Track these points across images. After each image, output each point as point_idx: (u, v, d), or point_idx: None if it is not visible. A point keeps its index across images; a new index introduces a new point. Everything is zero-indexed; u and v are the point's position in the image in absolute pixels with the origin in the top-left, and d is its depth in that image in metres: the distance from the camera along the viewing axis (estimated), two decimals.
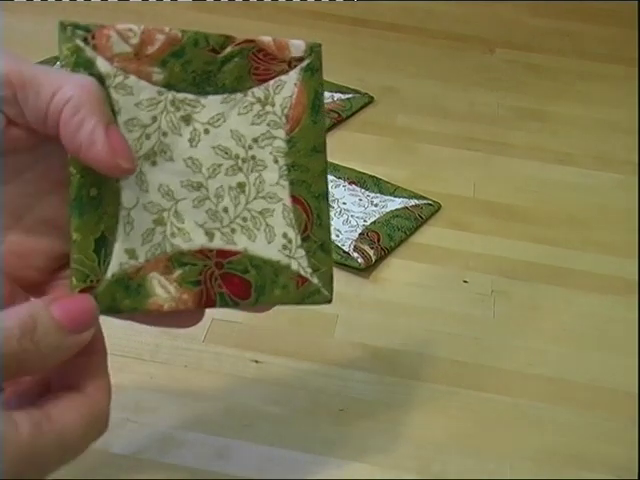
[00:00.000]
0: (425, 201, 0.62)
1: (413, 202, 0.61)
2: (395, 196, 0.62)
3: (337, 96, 0.74)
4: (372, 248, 0.55)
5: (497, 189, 0.65)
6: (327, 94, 0.74)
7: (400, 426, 0.44)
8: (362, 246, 0.55)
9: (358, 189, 0.62)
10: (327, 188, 0.34)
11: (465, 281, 0.55)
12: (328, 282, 0.34)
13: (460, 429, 0.45)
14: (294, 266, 0.33)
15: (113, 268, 0.30)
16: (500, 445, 0.44)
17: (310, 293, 0.34)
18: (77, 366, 0.29)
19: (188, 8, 0.89)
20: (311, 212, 0.34)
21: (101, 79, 0.31)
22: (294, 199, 0.34)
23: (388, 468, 0.42)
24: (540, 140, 0.73)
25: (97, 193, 0.30)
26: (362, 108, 0.74)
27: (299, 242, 0.34)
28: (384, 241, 0.56)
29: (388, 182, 0.63)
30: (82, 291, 0.30)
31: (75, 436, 0.27)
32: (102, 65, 0.31)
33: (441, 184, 0.65)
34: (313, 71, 0.34)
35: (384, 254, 0.56)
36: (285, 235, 0.33)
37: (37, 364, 0.27)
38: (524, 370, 0.49)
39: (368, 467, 0.42)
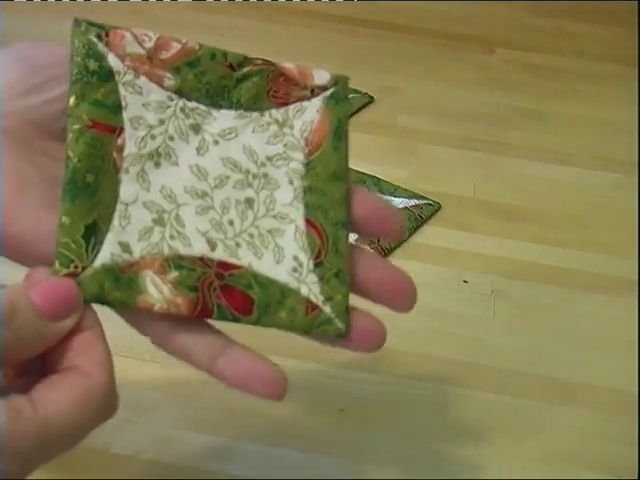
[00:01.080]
0: (425, 201, 0.62)
1: (413, 202, 0.61)
2: (395, 196, 0.62)
3: None
4: (372, 248, 0.55)
5: (497, 189, 0.65)
6: None
7: (400, 426, 0.44)
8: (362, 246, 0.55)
9: None
10: (347, 216, 0.33)
11: (465, 281, 0.55)
12: (342, 313, 0.32)
13: (460, 429, 0.45)
14: (304, 291, 0.31)
15: (103, 257, 0.29)
16: (500, 445, 0.44)
17: (320, 322, 0.31)
18: (66, 346, 0.27)
19: (188, 8, 0.89)
20: (326, 238, 0.32)
21: (111, 73, 0.31)
22: (308, 222, 0.32)
23: (388, 468, 0.42)
24: (540, 140, 0.73)
25: (94, 180, 0.30)
26: (362, 108, 0.74)
27: (311, 267, 0.32)
28: (384, 241, 0.56)
29: (388, 182, 0.63)
30: (65, 276, 0.28)
31: (66, 418, 0.25)
32: (113, 61, 0.31)
33: (441, 184, 0.65)
34: (338, 100, 0.34)
35: (384, 254, 0.56)
36: (296, 258, 0.32)
37: (16, 352, 0.26)
38: (524, 370, 0.49)
39: (368, 467, 0.42)
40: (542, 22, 0.96)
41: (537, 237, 0.60)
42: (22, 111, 0.30)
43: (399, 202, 0.61)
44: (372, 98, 0.76)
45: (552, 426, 0.45)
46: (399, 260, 0.56)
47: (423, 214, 0.60)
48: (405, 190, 0.63)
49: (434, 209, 0.61)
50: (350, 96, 0.74)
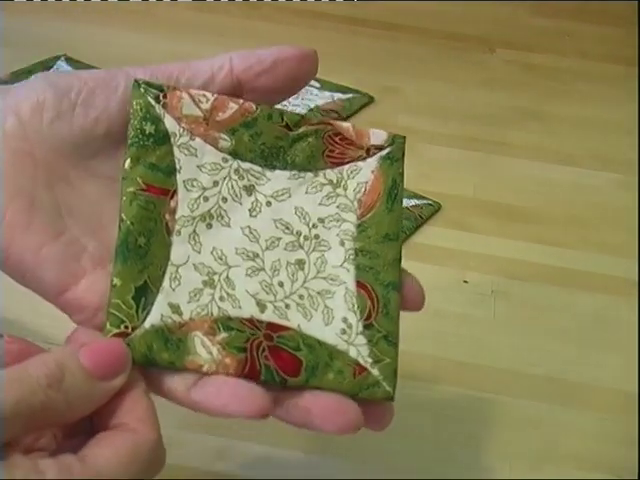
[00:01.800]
0: (425, 201, 0.62)
1: (413, 202, 0.61)
2: None
3: (337, 96, 0.74)
4: None
5: (497, 189, 0.65)
6: (327, 94, 0.74)
7: (400, 426, 0.44)
8: None
9: None
10: (399, 278, 0.32)
11: (465, 281, 0.55)
12: (390, 376, 0.31)
13: (460, 429, 0.45)
14: (352, 353, 0.31)
15: (153, 318, 0.29)
16: (500, 445, 0.44)
17: (368, 385, 0.31)
18: (114, 405, 0.27)
19: (188, 8, 0.89)
20: (377, 300, 0.32)
21: (167, 136, 0.31)
22: (359, 284, 0.32)
23: (388, 468, 0.42)
24: (540, 140, 0.73)
25: (145, 242, 0.30)
26: (362, 108, 0.74)
27: (360, 329, 0.31)
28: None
29: None
30: (115, 336, 0.29)
31: (115, 473, 0.25)
32: (169, 123, 0.31)
33: (441, 184, 0.65)
34: (393, 160, 0.34)
35: None
36: (345, 320, 0.31)
37: (65, 414, 0.26)
38: (524, 370, 0.49)
39: (368, 467, 0.42)
40: (542, 22, 0.96)
41: (537, 237, 0.60)
42: (48, 136, 0.30)
43: None
44: (372, 98, 0.76)
45: (552, 426, 0.45)
46: None
47: (423, 214, 0.60)
48: (405, 190, 0.62)
49: (434, 209, 0.61)
50: (350, 96, 0.75)
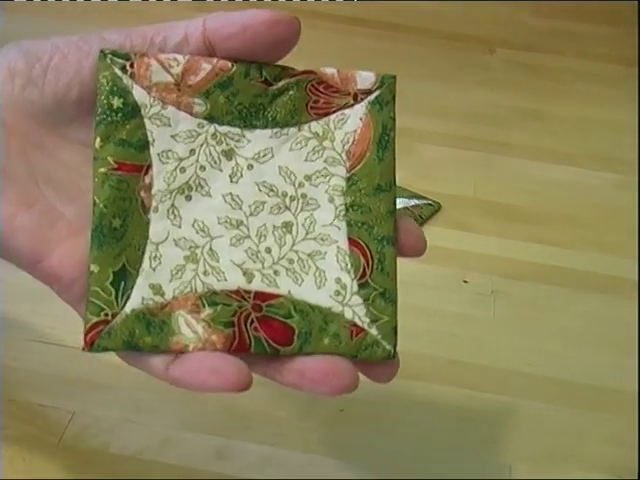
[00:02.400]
0: (425, 201, 0.62)
1: (413, 202, 0.61)
2: None
3: None
4: None
5: (497, 189, 0.65)
6: None
7: (400, 426, 0.44)
8: None
9: None
10: (394, 231, 0.31)
11: (465, 281, 0.55)
12: (390, 334, 0.30)
13: (460, 429, 0.45)
14: (348, 314, 0.30)
15: (134, 303, 0.29)
16: (500, 445, 0.44)
17: (367, 345, 0.30)
18: None
19: (188, 8, 0.88)
20: (371, 256, 0.31)
21: (136, 109, 0.30)
22: (351, 241, 0.30)
23: (388, 468, 0.42)
24: (540, 140, 0.73)
25: (121, 224, 0.29)
26: None
27: (355, 288, 0.30)
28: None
29: None
30: (95, 325, 0.28)
31: None
32: (138, 94, 0.30)
33: (441, 184, 0.65)
34: (382, 104, 0.31)
35: None
36: (338, 280, 0.30)
37: None
38: (524, 370, 0.49)
39: (368, 467, 0.42)
40: (542, 22, 0.96)
41: (537, 237, 0.60)
42: (20, 103, 0.29)
43: (399, 202, 0.61)
44: None
45: (552, 426, 0.45)
46: (399, 260, 0.55)
47: (423, 214, 0.60)
48: (405, 190, 0.63)
49: (434, 209, 0.61)
50: None
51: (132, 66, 0.30)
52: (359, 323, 0.30)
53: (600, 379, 0.49)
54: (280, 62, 0.32)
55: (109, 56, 0.30)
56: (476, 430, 0.45)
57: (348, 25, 0.90)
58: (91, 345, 0.28)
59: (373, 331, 0.30)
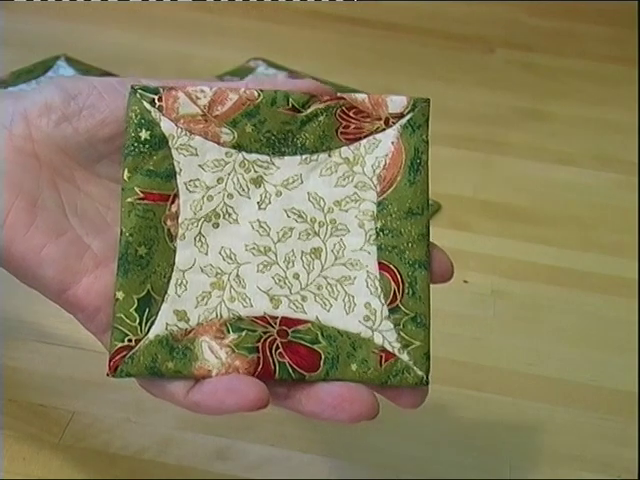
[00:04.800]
0: None
1: None
2: None
3: None
4: None
5: (497, 189, 0.65)
6: None
7: (400, 426, 0.44)
8: None
9: None
10: (427, 255, 0.31)
11: (465, 281, 0.55)
12: (422, 359, 0.30)
13: (460, 429, 0.45)
14: (378, 340, 0.30)
15: (157, 329, 0.29)
16: (500, 445, 0.44)
17: (397, 371, 0.30)
18: None
19: (188, 8, 0.89)
20: (402, 280, 0.30)
21: (163, 140, 0.30)
22: (381, 266, 0.30)
23: (388, 468, 0.42)
24: (540, 140, 0.73)
25: (146, 252, 0.30)
26: None
27: (385, 313, 0.30)
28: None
29: None
30: (119, 350, 0.29)
31: None
32: (165, 126, 0.30)
33: (441, 184, 0.64)
34: (414, 128, 0.32)
35: None
36: (368, 305, 0.30)
37: None
38: (524, 370, 0.49)
39: (368, 467, 0.42)
40: (542, 22, 0.96)
41: (537, 237, 0.60)
42: (54, 138, 0.31)
43: None
44: None
45: (552, 426, 0.45)
46: None
47: None
48: None
49: (434, 209, 0.61)
50: None
51: (160, 99, 0.30)
52: (389, 348, 0.30)
53: (600, 379, 0.49)
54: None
55: (139, 91, 0.31)
56: (476, 430, 0.45)
57: (348, 25, 0.90)
58: (115, 370, 0.29)
59: (404, 357, 0.30)
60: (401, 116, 0.32)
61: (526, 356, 0.50)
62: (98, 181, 0.32)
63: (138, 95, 0.31)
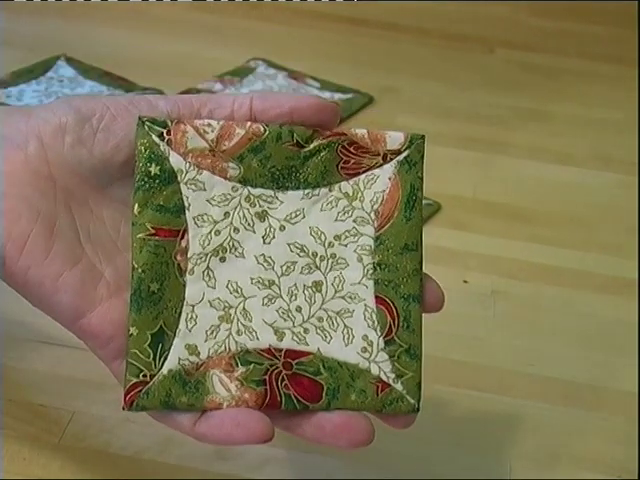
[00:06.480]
0: (425, 201, 0.62)
1: None
2: None
3: (337, 96, 0.74)
4: None
5: (497, 189, 0.65)
6: (327, 94, 0.74)
7: None
8: None
9: None
10: (420, 289, 0.32)
11: (465, 281, 0.55)
12: (414, 389, 0.32)
13: (460, 429, 0.45)
14: (374, 370, 0.31)
15: (171, 363, 0.30)
16: (500, 445, 0.44)
17: (392, 400, 0.31)
18: None
19: (188, 8, 0.89)
20: (397, 314, 0.32)
21: (173, 175, 0.31)
22: (378, 300, 0.32)
23: (388, 468, 0.42)
24: (540, 140, 0.73)
25: (158, 288, 0.30)
26: (362, 108, 0.74)
27: (381, 345, 0.31)
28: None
29: None
30: (135, 385, 0.30)
31: None
32: (175, 161, 0.31)
33: (441, 184, 0.64)
34: (411, 164, 0.32)
35: None
36: (365, 337, 0.31)
37: None
38: (524, 370, 0.49)
39: (367, 467, 0.42)
40: (542, 22, 0.96)
41: (537, 237, 0.60)
42: (69, 160, 0.31)
43: None
44: (372, 98, 0.76)
45: (552, 426, 0.45)
46: None
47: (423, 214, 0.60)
48: None
49: (434, 209, 0.61)
50: (350, 96, 0.74)
51: (169, 133, 0.31)
52: (384, 379, 0.31)
53: (600, 379, 0.49)
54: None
55: (147, 124, 0.31)
56: (476, 430, 0.45)
57: (348, 25, 0.90)
58: (131, 405, 0.30)
59: (398, 386, 0.31)
60: (398, 152, 0.33)
61: (526, 356, 0.50)
62: (109, 204, 0.32)
63: (146, 128, 0.31)
